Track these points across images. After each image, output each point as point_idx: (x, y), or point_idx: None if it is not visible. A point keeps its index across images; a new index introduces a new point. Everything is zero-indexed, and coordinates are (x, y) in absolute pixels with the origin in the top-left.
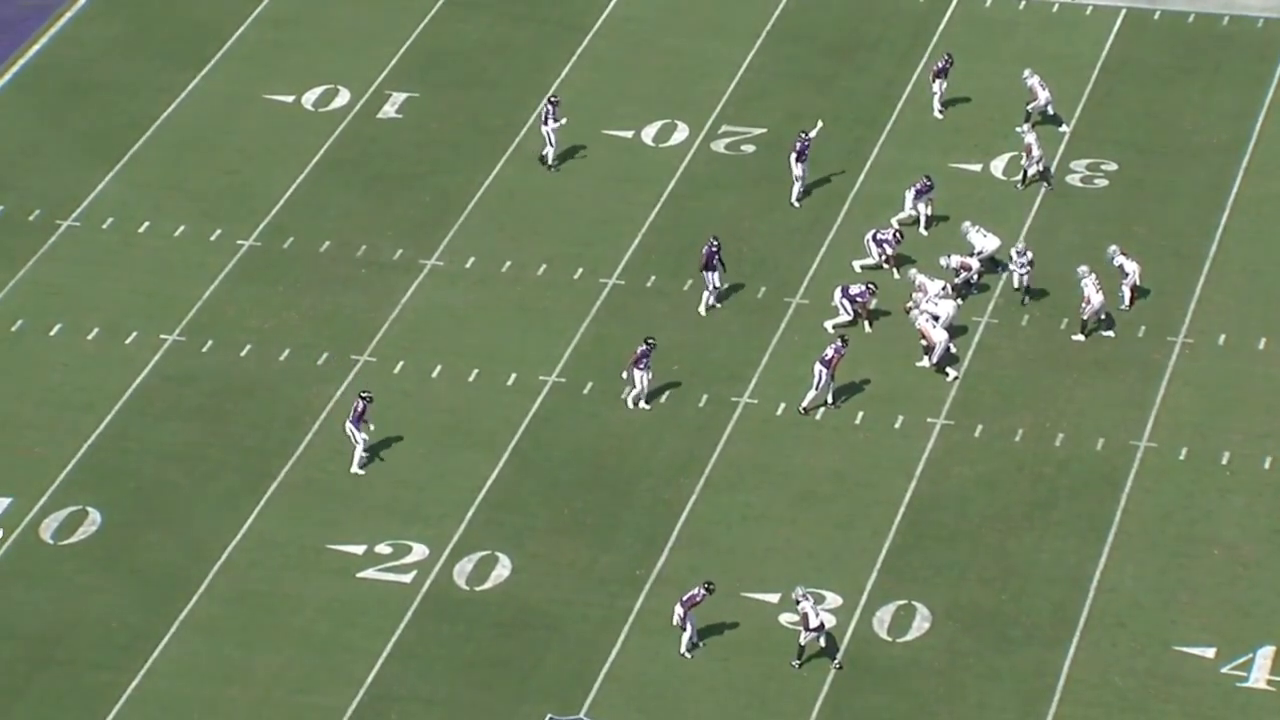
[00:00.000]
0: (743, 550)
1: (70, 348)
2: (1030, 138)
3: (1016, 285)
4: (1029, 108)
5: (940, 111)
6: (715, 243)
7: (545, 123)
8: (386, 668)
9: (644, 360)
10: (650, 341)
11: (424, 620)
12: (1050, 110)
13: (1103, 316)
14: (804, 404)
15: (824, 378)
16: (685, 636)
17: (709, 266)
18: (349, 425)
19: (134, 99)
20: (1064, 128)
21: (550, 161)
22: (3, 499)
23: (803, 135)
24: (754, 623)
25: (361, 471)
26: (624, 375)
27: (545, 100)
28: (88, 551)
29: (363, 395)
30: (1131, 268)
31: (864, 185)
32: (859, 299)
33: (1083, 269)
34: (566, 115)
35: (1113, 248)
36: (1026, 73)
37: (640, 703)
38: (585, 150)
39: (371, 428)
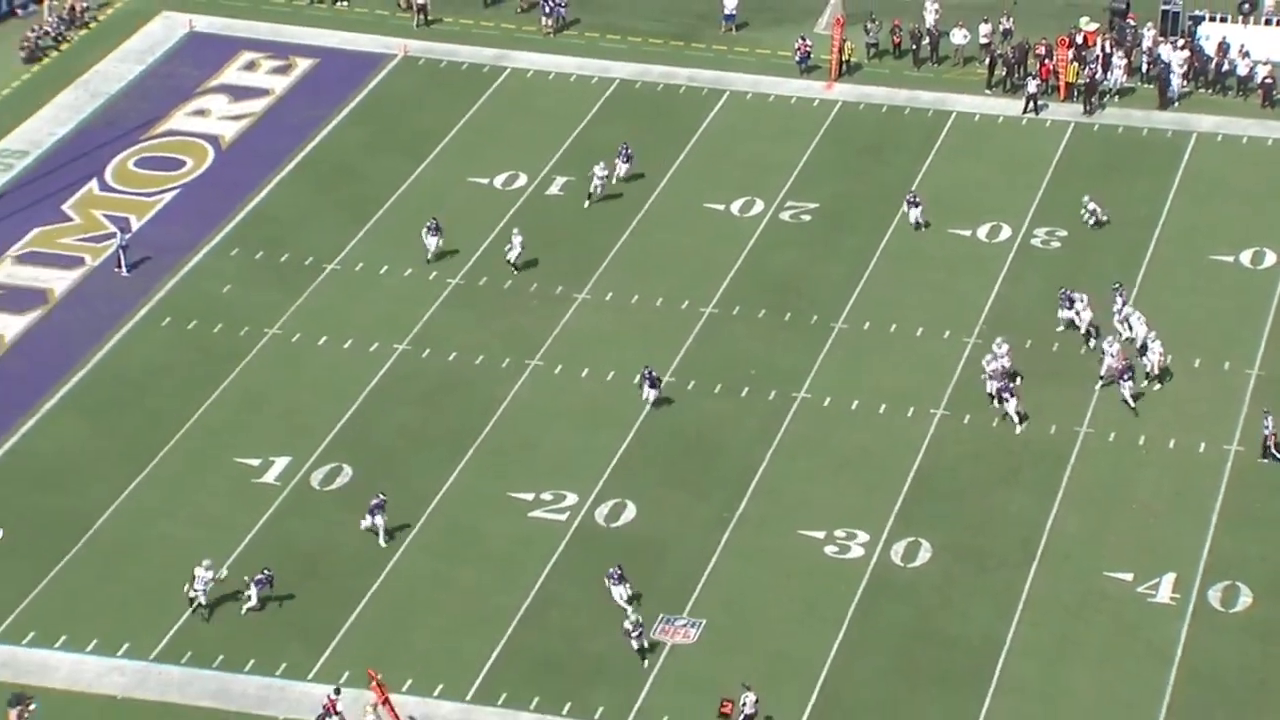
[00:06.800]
0: (799, 501)
1: (333, 353)
2: (597, 167)
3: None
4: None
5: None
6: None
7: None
8: (548, 580)
9: (378, 510)
10: (382, 496)
11: (574, 547)
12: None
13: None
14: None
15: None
16: None
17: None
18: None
19: (377, 180)
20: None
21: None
22: (285, 457)
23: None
24: (807, 551)
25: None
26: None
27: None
28: (343, 496)
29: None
30: (1084, 311)
31: (889, 243)
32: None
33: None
34: (679, 194)
35: (1067, 292)
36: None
37: (727, 603)
38: (691, 218)
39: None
